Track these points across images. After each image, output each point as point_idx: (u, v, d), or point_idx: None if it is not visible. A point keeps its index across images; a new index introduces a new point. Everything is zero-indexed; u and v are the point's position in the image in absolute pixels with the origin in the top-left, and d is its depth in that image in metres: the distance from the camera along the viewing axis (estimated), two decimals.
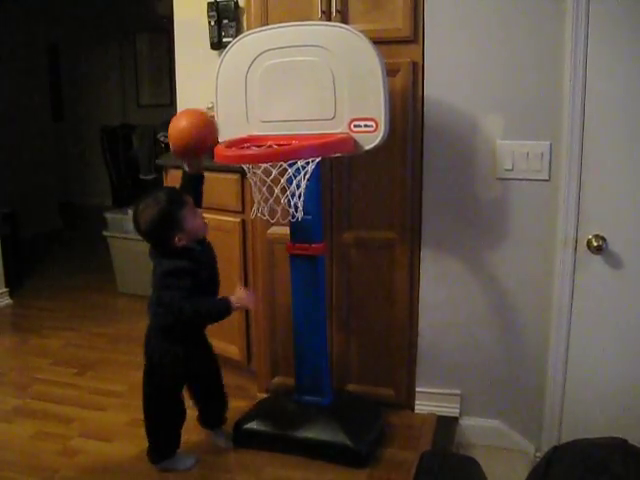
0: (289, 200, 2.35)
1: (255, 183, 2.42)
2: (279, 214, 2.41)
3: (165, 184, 3.34)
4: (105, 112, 8.02)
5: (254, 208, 2.45)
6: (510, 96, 2.57)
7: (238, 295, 2.41)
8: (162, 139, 4.34)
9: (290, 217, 2.38)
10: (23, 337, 4.04)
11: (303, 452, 2.61)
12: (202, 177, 2.61)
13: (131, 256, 4.57)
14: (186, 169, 2.56)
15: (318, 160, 2.32)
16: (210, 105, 3.24)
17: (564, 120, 2.48)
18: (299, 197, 2.33)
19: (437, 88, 2.64)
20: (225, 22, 3.44)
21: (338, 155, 2.46)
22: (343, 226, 2.80)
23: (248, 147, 2.43)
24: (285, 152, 2.30)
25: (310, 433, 2.61)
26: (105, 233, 4.84)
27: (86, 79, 8.18)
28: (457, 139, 2.67)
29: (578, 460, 1.16)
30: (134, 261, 4.49)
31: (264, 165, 2.35)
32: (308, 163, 2.30)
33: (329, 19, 2.64)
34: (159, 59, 7.68)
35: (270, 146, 2.38)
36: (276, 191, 2.34)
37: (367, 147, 2.38)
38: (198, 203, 2.54)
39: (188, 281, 2.33)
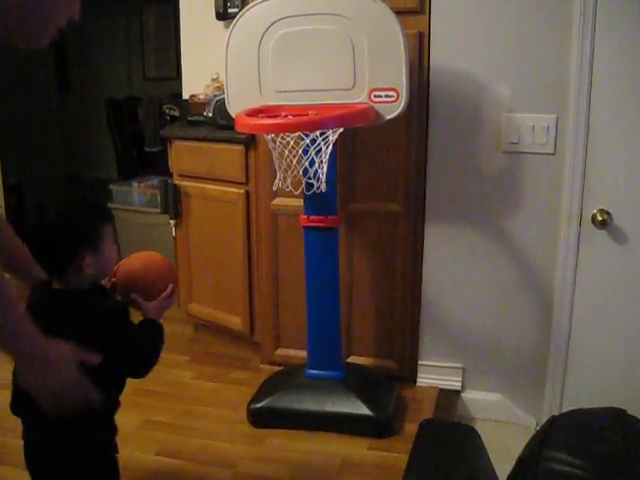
0: (307, 171, 2.33)
1: (279, 154, 2.36)
2: (304, 185, 2.37)
3: (169, 156, 3.32)
4: (111, 84, 7.97)
5: (277, 179, 2.40)
6: (517, 68, 2.55)
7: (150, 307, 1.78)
8: (167, 111, 4.33)
9: (315, 189, 2.35)
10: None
11: (323, 426, 2.59)
12: None
13: (135, 228, 4.58)
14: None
15: (340, 130, 2.28)
16: (215, 76, 3.24)
17: (570, 93, 2.47)
18: (320, 167, 2.31)
19: (443, 60, 2.62)
20: None
21: (357, 125, 2.42)
22: (347, 197, 2.78)
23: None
24: (310, 122, 2.26)
25: (329, 407, 2.59)
26: (110, 205, 4.84)
27: (92, 51, 8.12)
28: (463, 111, 2.65)
29: (575, 429, 1.16)
30: (138, 233, 4.50)
31: (294, 135, 2.30)
32: (325, 134, 2.27)
33: None
34: (166, 31, 7.62)
35: (286, 116, 2.34)
36: (303, 162, 2.32)
37: (388, 117, 2.35)
38: None
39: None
